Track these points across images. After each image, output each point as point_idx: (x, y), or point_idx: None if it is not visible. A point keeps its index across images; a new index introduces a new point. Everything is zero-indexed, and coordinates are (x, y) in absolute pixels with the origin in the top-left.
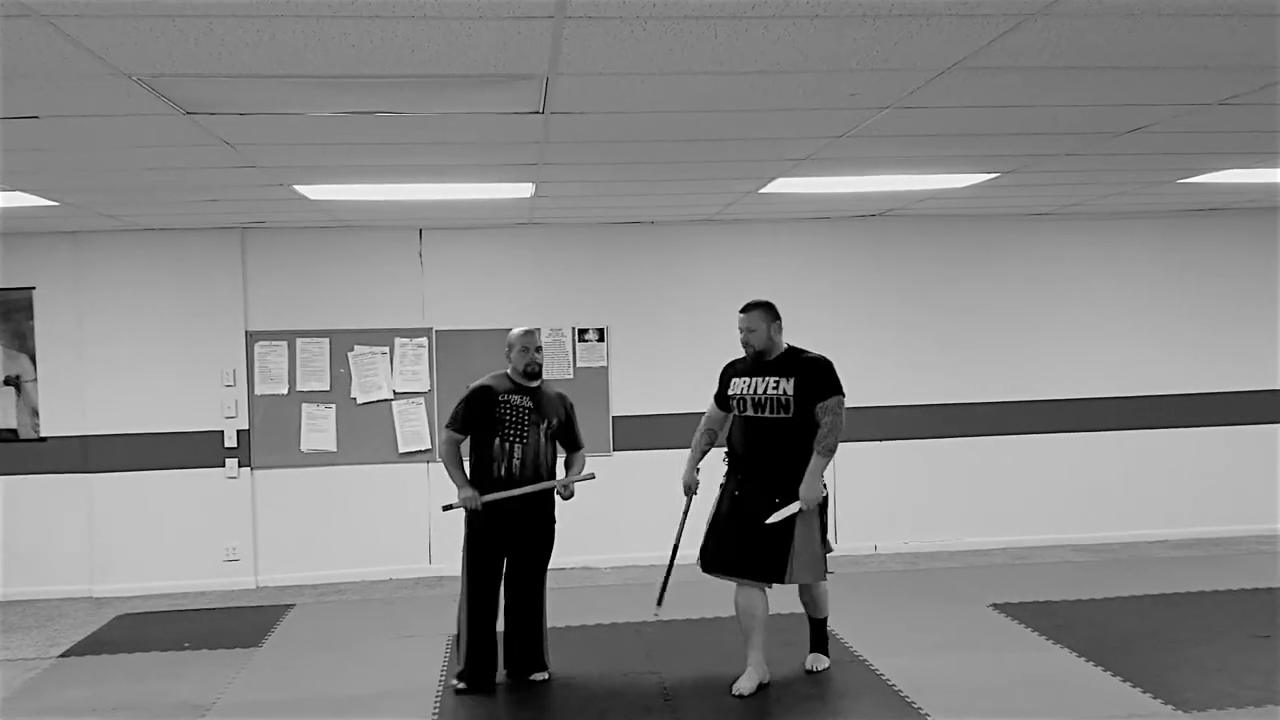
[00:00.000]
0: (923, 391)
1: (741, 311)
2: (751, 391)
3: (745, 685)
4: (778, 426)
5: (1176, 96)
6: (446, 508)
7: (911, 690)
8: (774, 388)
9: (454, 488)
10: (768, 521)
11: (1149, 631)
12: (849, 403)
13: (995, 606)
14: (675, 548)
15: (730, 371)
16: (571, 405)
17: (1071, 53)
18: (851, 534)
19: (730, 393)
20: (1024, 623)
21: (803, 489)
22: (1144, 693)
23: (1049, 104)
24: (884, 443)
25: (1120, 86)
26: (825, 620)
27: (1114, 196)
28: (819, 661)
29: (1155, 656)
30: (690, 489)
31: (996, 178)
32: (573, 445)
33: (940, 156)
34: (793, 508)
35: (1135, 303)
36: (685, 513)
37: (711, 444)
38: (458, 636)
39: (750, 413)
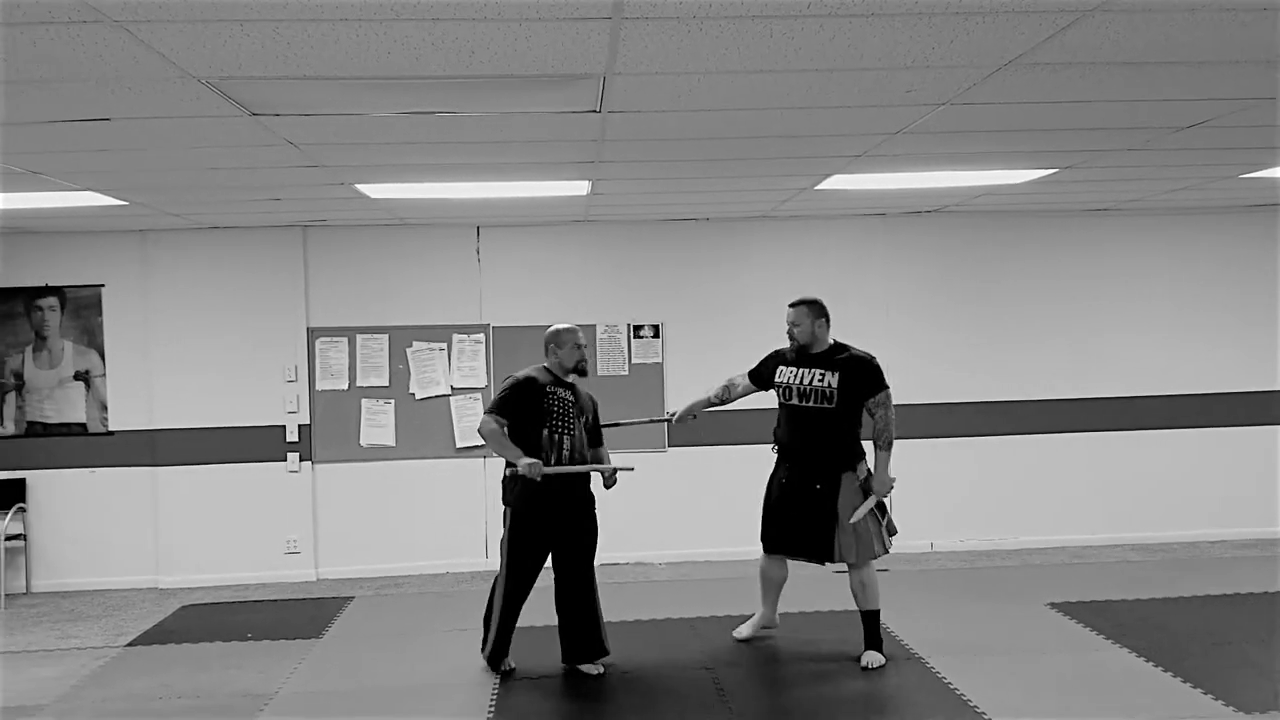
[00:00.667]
0: (979, 389)
1: (790, 306)
2: (798, 381)
3: (744, 630)
4: (821, 416)
5: (1237, 90)
6: (511, 473)
7: (969, 689)
8: (819, 380)
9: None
10: (850, 521)
11: (1208, 631)
12: (902, 399)
13: (1053, 605)
14: (637, 421)
15: (777, 359)
16: (597, 403)
17: (1129, 48)
18: (908, 532)
19: (777, 380)
20: (1082, 622)
21: (875, 484)
22: (1204, 693)
23: (1107, 99)
24: (940, 440)
25: (1179, 81)
26: (877, 614)
27: (1177, 192)
28: (873, 659)
29: (1215, 657)
30: (677, 415)
31: (1054, 173)
32: (596, 441)
33: (997, 152)
34: (870, 502)
35: (1199, 299)
36: (650, 418)
37: (722, 401)
38: (487, 619)
39: (795, 401)
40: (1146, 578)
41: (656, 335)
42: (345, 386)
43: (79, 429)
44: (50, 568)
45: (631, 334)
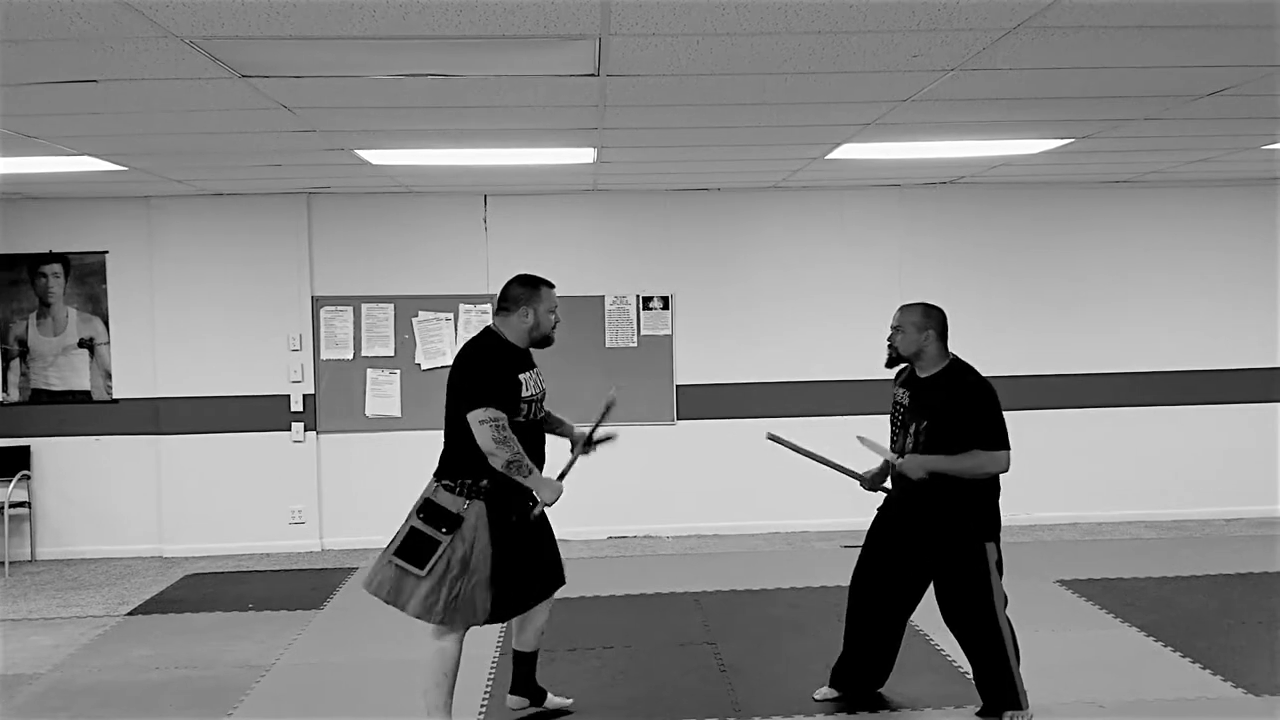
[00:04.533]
0: (993, 364)
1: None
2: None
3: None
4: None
5: (1260, 58)
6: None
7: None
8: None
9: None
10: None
11: (1220, 612)
12: None
13: (1062, 582)
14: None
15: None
16: None
17: (1142, 10)
18: None
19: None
20: (1091, 599)
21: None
22: (1213, 674)
23: (1124, 65)
24: None
25: (1199, 47)
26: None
27: (1198, 163)
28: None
29: (1225, 638)
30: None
31: (1070, 143)
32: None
33: (1010, 121)
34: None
35: (1222, 273)
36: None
37: None
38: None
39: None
40: (1158, 555)
41: (666, 306)
42: (350, 356)
43: (83, 396)
44: (55, 535)
45: (641, 305)
